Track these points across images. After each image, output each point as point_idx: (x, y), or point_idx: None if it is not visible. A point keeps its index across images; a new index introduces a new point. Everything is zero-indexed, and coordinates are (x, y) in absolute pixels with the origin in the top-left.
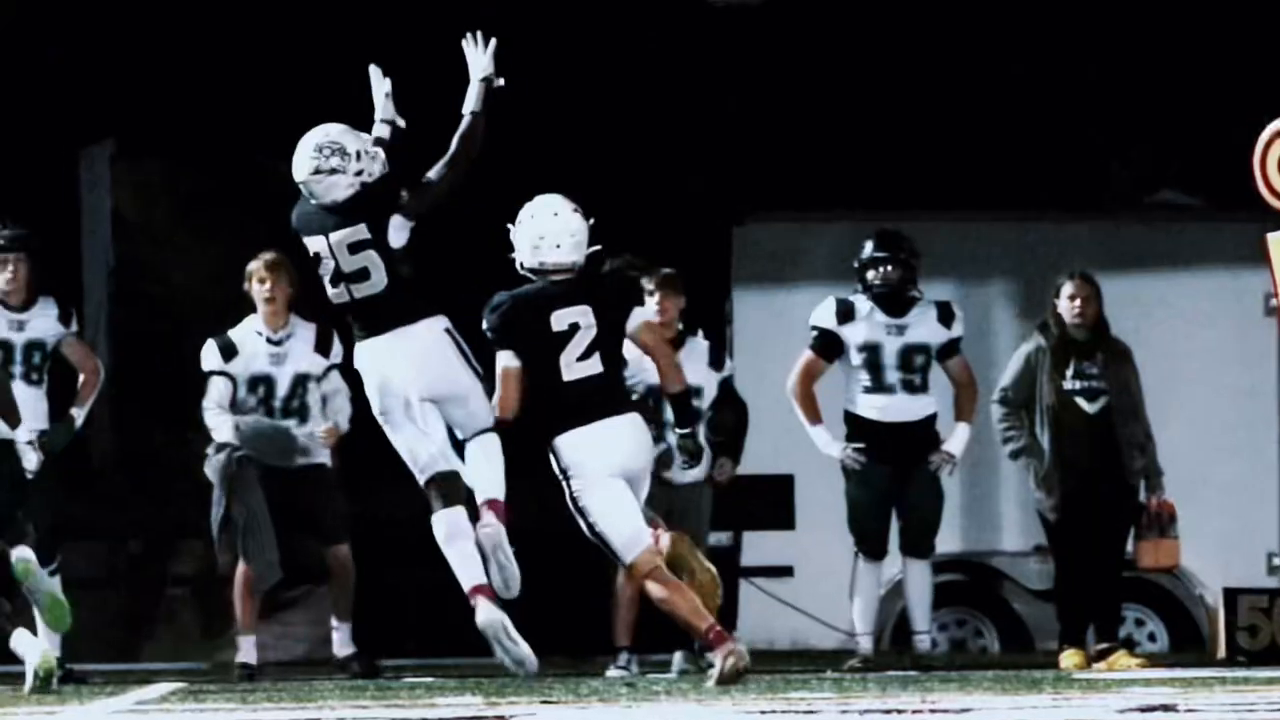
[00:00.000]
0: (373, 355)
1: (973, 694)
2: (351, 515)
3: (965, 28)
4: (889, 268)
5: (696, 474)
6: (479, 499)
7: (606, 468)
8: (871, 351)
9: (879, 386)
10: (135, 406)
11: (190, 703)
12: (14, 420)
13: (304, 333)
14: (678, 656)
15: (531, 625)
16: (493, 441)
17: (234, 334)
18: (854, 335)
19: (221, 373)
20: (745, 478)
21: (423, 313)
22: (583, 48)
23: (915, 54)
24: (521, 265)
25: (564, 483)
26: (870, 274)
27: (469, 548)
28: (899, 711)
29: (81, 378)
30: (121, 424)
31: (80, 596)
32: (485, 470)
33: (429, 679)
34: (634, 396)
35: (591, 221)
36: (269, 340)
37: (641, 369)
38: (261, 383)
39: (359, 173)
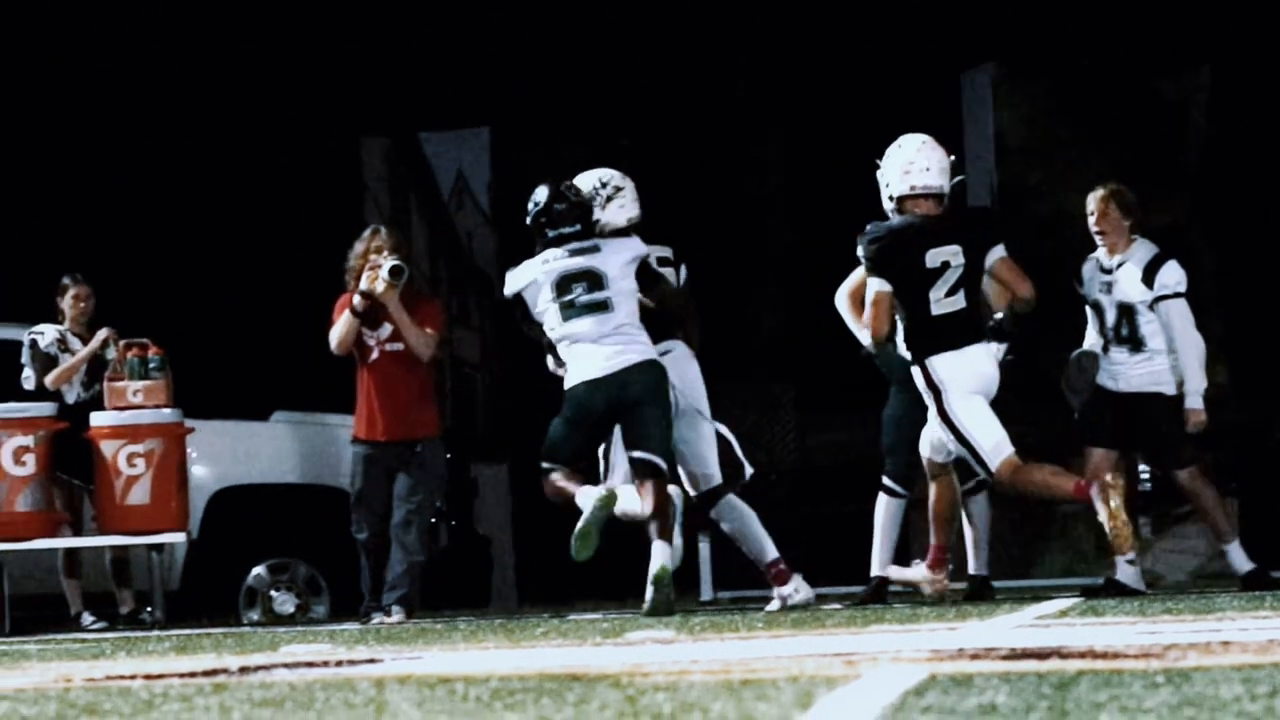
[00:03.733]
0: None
1: None
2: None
3: None
4: None
5: None
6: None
7: (972, 386)
8: None
9: None
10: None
11: (1090, 616)
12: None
13: (1137, 258)
14: None
15: None
16: None
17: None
18: None
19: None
20: None
21: None
22: None
23: None
24: (890, 197)
25: (933, 398)
26: None
27: None
28: None
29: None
30: None
31: None
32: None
33: None
34: None
35: (953, 158)
36: (1101, 268)
37: None
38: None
39: None
